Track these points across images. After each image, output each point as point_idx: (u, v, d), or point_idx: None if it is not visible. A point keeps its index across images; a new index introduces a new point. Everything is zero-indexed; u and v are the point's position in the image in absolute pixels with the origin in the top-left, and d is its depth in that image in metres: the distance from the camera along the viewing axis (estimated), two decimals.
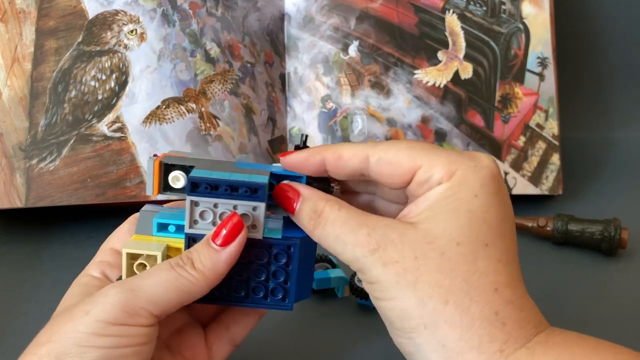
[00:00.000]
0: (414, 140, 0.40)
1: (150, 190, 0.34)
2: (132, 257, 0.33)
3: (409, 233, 0.29)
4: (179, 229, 0.34)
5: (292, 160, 0.34)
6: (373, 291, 0.30)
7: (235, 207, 0.33)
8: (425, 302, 0.27)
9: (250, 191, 0.32)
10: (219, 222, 0.33)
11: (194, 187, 0.32)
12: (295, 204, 0.33)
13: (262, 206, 0.32)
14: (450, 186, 0.30)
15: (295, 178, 0.35)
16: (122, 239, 0.37)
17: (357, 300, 0.48)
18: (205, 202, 0.32)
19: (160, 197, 0.39)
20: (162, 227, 0.34)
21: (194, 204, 0.32)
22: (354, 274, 0.48)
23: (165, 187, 0.34)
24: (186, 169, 0.34)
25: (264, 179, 0.33)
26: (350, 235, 0.30)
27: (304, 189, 0.33)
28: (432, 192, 0.30)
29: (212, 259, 0.32)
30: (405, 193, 0.33)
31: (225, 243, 0.32)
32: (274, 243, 0.33)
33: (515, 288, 0.29)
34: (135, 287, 0.30)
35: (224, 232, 0.32)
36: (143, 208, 0.35)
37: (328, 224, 0.31)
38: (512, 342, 0.27)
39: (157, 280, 0.31)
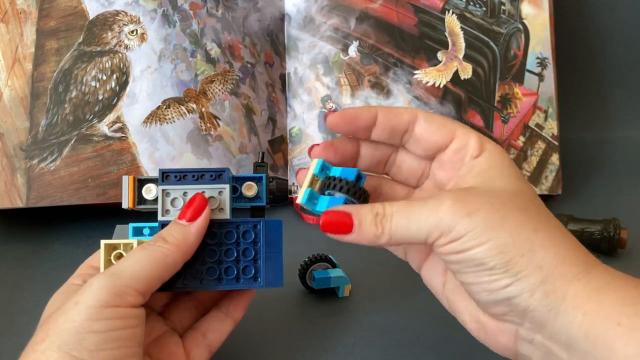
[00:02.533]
0: None
1: (126, 203, 0.37)
2: (109, 252, 0.36)
3: (474, 191, 0.32)
4: (153, 230, 0.37)
5: (349, 114, 0.36)
6: (461, 244, 0.31)
7: (202, 192, 0.36)
8: (518, 233, 0.30)
9: (215, 176, 0.36)
10: None
11: (164, 177, 0.36)
12: (352, 222, 0.33)
13: (227, 188, 0.36)
14: (488, 158, 0.34)
15: (255, 178, 0.38)
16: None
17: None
18: (175, 191, 0.36)
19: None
20: (137, 231, 0.37)
21: (165, 193, 0.36)
22: None
23: (139, 200, 0.37)
24: (156, 182, 0.37)
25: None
26: (422, 209, 0.32)
27: (347, 209, 0.33)
28: (476, 162, 0.34)
29: (182, 232, 0.35)
30: (430, 164, 0.37)
31: (192, 219, 0.35)
32: (241, 222, 0.37)
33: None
34: (116, 271, 0.32)
35: (189, 210, 0.35)
36: (117, 226, 0.38)
37: (394, 215, 0.32)
38: (590, 260, 0.31)
39: (134, 260, 0.33)
